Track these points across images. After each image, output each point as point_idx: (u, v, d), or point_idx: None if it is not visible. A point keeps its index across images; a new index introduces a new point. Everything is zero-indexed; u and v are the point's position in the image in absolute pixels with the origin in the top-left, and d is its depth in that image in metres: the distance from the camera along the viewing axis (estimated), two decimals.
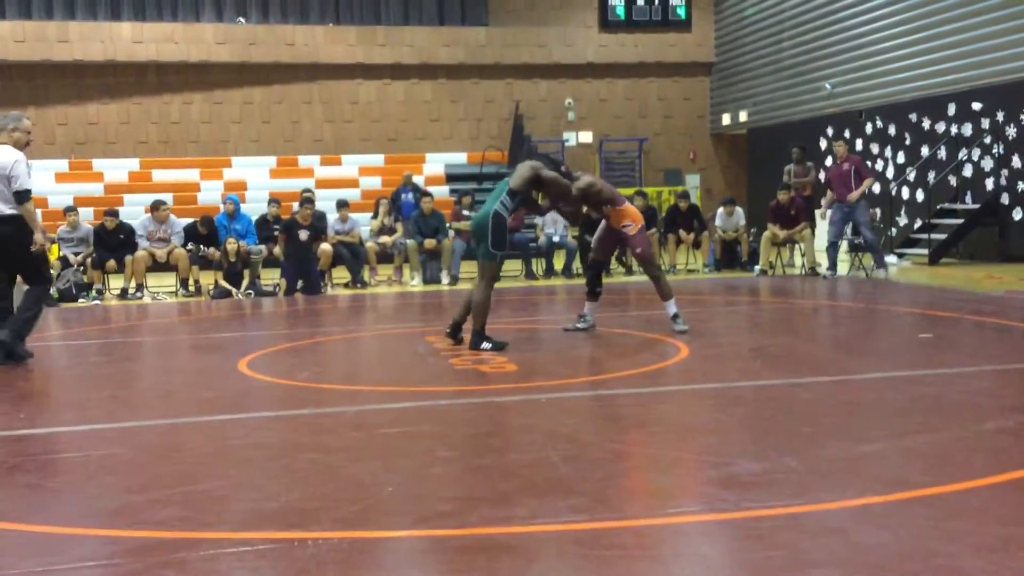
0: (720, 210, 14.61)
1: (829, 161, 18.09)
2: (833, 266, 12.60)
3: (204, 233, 12.93)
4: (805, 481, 3.76)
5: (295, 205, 13.87)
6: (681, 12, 22.12)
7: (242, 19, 20.63)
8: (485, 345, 7.15)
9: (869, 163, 17.20)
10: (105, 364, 7.56)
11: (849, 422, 4.79)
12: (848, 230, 13.05)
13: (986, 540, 3.07)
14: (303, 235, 12.49)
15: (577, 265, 13.99)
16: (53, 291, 11.93)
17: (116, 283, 12.83)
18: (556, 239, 14.02)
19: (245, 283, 12.53)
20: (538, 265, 14.12)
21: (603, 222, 8.11)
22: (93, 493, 3.89)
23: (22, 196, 7.11)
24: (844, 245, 13.22)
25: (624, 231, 7.89)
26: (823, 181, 13.68)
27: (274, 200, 14.05)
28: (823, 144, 18.42)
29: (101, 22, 19.85)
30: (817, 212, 13.85)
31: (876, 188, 16.93)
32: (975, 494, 3.55)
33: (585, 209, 8.43)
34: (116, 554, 3.18)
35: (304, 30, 20.67)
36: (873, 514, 3.33)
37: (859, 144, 17.48)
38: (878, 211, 15.89)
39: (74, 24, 19.66)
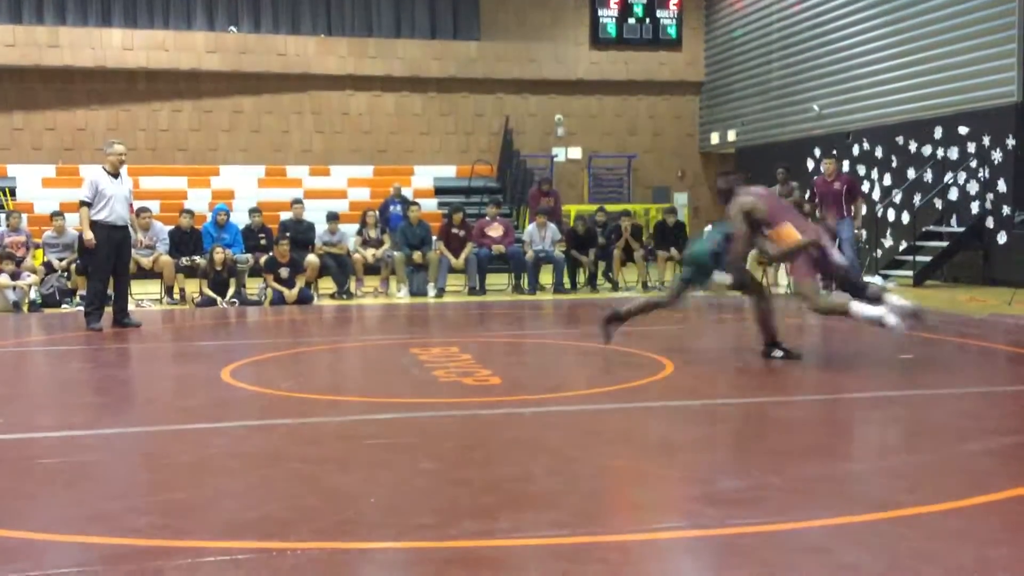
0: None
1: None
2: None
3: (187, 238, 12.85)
4: (788, 499, 3.75)
5: (282, 214, 13.81)
6: (672, 31, 22.24)
7: (233, 28, 20.61)
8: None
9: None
10: (86, 370, 7.51)
11: (832, 441, 4.80)
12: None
13: (966, 561, 3.07)
14: (283, 272, 12.40)
15: (566, 281, 14.00)
16: (36, 296, 11.90)
17: None
18: (542, 254, 14.01)
19: (230, 292, 12.47)
20: (524, 279, 14.08)
21: None
22: (69, 499, 3.85)
23: (81, 203, 9.44)
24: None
25: None
26: (808, 195, 13.63)
27: (256, 210, 14.02)
28: (810, 165, 18.52)
29: (91, 28, 19.78)
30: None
31: (863, 209, 17.02)
32: (956, 515, 3.55)
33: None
34: (91, 561, 3.14)
35: (295, 40, 20.67)
36: (855, 533, 3.33)
37: (846, 165, 17.58)
38: (864, 232, 15.96)
39: (64, 29, 19.60)
